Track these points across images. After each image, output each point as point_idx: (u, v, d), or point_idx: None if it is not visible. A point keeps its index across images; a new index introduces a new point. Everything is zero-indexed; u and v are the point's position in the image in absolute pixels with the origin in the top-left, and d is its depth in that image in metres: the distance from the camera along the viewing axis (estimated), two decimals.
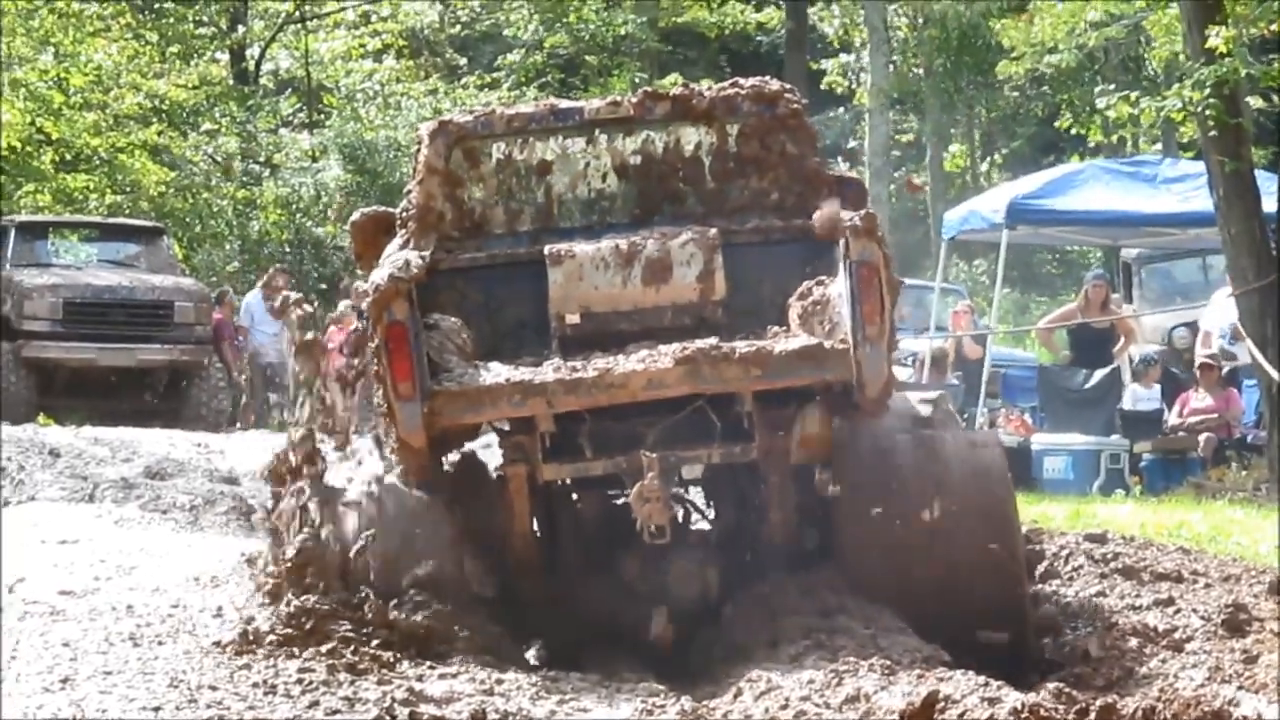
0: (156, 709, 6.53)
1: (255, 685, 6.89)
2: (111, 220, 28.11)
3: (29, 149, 31.75)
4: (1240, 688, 6.95)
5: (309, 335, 8.79)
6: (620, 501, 8.38)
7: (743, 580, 8.50)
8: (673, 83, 26.22)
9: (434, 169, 9.03)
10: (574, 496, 8.86)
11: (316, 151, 33.85)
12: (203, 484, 14.94)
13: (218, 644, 7.63)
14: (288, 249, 32.01)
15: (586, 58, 40.00)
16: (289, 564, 8.15)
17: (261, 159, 34.39)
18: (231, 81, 35.92)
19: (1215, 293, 19.39)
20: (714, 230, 8.79)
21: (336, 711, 6.60)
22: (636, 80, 35.55)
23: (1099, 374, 19.12)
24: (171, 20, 35.47)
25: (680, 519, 8.97)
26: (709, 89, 9.25)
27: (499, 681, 7.14)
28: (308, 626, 7.68)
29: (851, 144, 40.69)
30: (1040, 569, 10.27)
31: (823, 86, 37.45)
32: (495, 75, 37.91)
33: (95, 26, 33.58)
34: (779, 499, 8.39)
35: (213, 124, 34.61)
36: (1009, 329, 29.01)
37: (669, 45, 41.68)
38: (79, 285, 23.28)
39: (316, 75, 36.92)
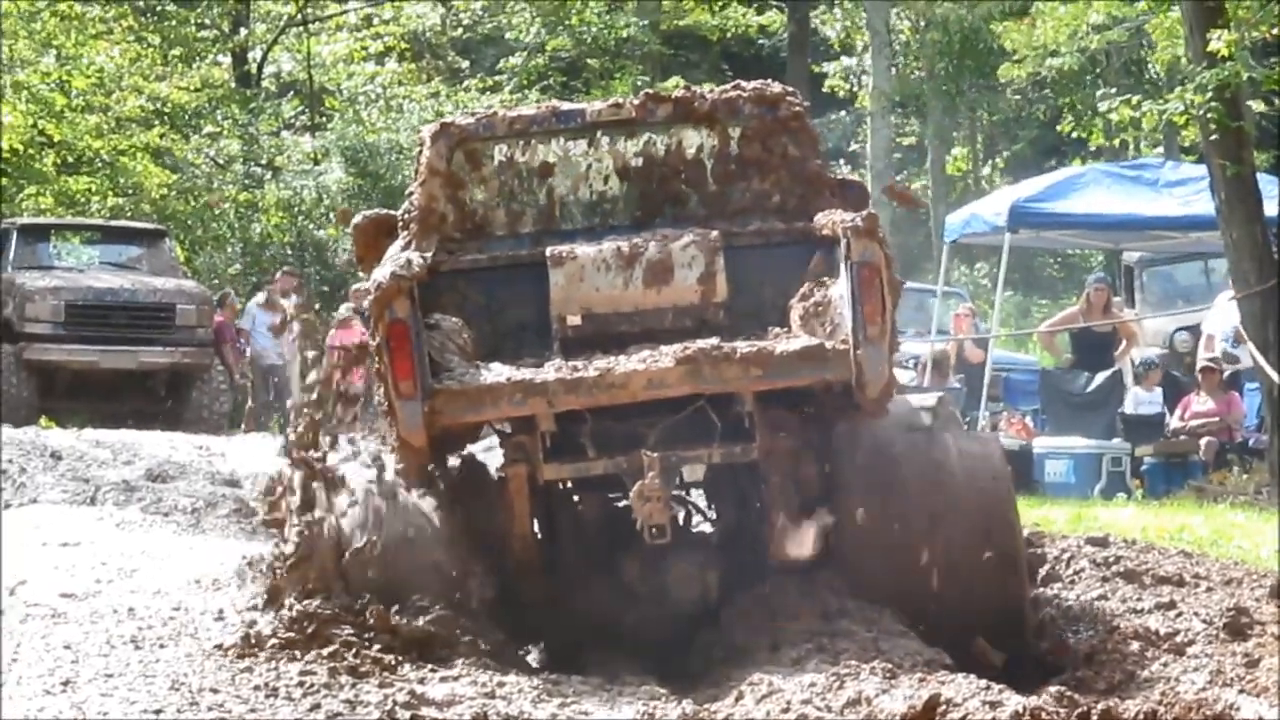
0: (158, 712, 6.53)
1: (257, 688, 6.90)
2: (113, 223, 28.11)
3: (31, 151, 31.76)
4: (1242, 691, 6.95)
5: (311, 352, 8.81)
6: (622, 504, 8.38)
7: (743, 582, 8.50)
8: (674, 85, 26.22)
9: (436, 171, 9.04)
10: (575, 498, 8.86)
11: (318, 154, 33.84)
12: (204, 486, 14.94)
13: (219, 647, 7.64)
14: (289, 251, 32.00)
15: (588, 60, 39.98)
16: (290, 559, 8.14)
17: (263, 161, 34.39)
18: (233, 84, 35.90)
19: (1218, 296, 19.39)
20: (715, 232, 8.80)
21: (338, 714, 6.60)
22: (638, 83, 35.48)
23: (1100, 377, 19.11)
24: (173, 23, 35.46)
25: (681, 521, 8.98)
26: (711, 91, 9.26)
27: (500, 684, 7.14)
28: (309, 630, 7.68)
29: (853, 147, 40.71)
30: (1042, 572, 10.27)
31: (824, 89, 37.48)
32: (497, 78, 37.88)
33: (97, 29, 33.59)
34: (780, 499, 8.39)
35: (215, 126, 34.61)
36: (1010, 332, 29.02)
37: (671, 48, 41.67)
38: (81, 288, 23.29)
39: (318, 78, 36.91)
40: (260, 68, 37.11)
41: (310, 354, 8.78)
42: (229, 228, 32.36)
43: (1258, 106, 26.01)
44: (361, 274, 9.54)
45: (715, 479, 8.89)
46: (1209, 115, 15.63)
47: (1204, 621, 8.58)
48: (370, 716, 6.57)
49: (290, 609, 7.87)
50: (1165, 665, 7.88)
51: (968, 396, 19.74)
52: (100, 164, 32.73)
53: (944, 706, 6.26)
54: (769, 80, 9.37)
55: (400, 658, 7.54)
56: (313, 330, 8.69)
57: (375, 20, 38.74)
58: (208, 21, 36.54)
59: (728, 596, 8.49)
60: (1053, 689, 6.60)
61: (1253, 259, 16.09)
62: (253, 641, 7.61)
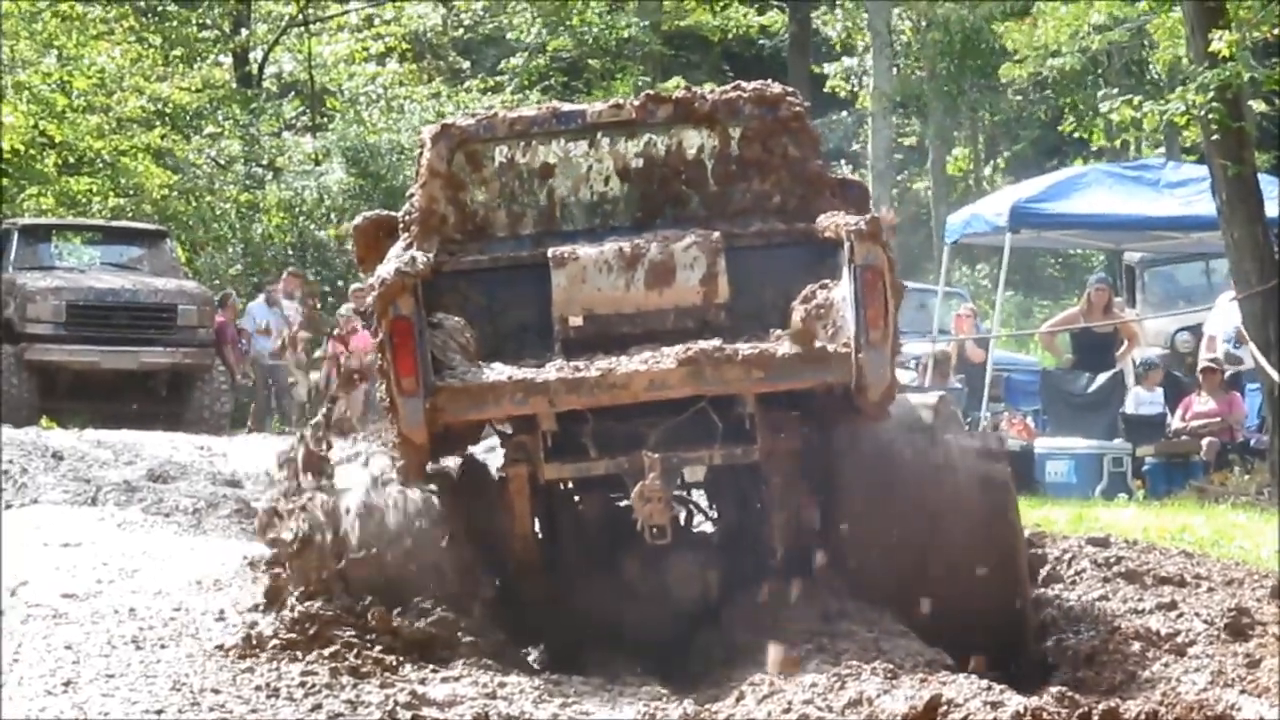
0: (159, 712, 6.54)
1: (258, 688, 6.90)
2: (114, 223, 28.11)
3: (32, 152, 31.77)
4: (1243, 692, 6.94)
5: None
6: (623, 504, 8.38)
7: (744, 583, 8.50)
8: (675, 86, 26.23)
9: (436, 172, 9.04)
10: (576, 498, 8.86)
11: (319, 155, 33.85)
12: (205, 487, 14.96)
13: (220, 647, 7.64)
14: (290, 252, 32.01)
15: (589, 61, 40.00)
16: (293, 544, 8.14)
17: (264, 162, 34.39)
18: (234, 85, 35.92)
19: (1219, 297, 19.39)
20: (717, 233, 8.80)
21: (339, 715, 6.60)
22: (639, 84, 35.51)
23: (1102, 378, 19.12)
24: (174, 23, 35.49)
25: (682, 521, 8.98)
26: (711, 92, 9.26)
27: (501, 685, 7.14)
28: (311, 631, 7.68)
29: (854, 147, 40.72)
30: (1043, 573, 10.27)
31: (825, 90, 37.47)
32: (498, 79, 37.90)
33: (98, 30, 33.60)
34: (781, 501, 8.39)
35: (216, 127, 34.62)
36: (1012, 333, 29.03)
37: (672, 49, 41.68)
38: (82, 288, 23.31)
39: (319, 78, 36.91)
40: (261, 68, 37.13)
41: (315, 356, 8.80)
42: (230, 228, 32.37)
43: (1259, 107, 25.97)
44: (362, 275, 9.53)
45: (716, 479, 8.89)
46: (1210, 115, 15.62)
47: (1205, 622, 8.58)
48: (371, 717, 6.57)
49: (292, 610, 7.88)
50: (1166, 666, 7.88)
51: (969, 397, 19.74)
52: (101, 164, 32.74)
53: (945, 707, 6.26)
54: (769, 81, 9.37)
55: (401, 658, 7.55)
56: (317, 326, 8.70)
57: (376, 21, 38.76)
58: (209, 22, 36.55)
59: (728, 596, 8.49)
60: (1054, 689, 6.60)
61: (1254, 259, 16.09)
62: (254, 642, 7.61)
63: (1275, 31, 16.95)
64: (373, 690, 6.95)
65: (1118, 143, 31.73)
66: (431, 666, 7.48)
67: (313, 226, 32.31)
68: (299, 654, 7.46)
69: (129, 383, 23.23)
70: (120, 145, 32.51)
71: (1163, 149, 32.60)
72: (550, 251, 8.80)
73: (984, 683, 6.69)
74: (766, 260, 8.89)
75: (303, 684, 6.96)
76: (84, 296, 23.11)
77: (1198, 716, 6.21)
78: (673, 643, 8.45)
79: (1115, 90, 21.93)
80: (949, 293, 24.44)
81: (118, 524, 12.65)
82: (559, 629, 8.61)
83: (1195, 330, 20.54)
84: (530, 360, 8.48)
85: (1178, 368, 20.47)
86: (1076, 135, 23.95)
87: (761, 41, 40.85)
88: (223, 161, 34.76)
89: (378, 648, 7.61)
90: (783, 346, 8.17)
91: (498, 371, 8.19)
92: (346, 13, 38.66)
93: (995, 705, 6.25)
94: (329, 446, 8.83)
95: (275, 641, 7.60)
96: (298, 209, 32.54)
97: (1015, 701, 6.29)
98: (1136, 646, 8.22)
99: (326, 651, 7.47)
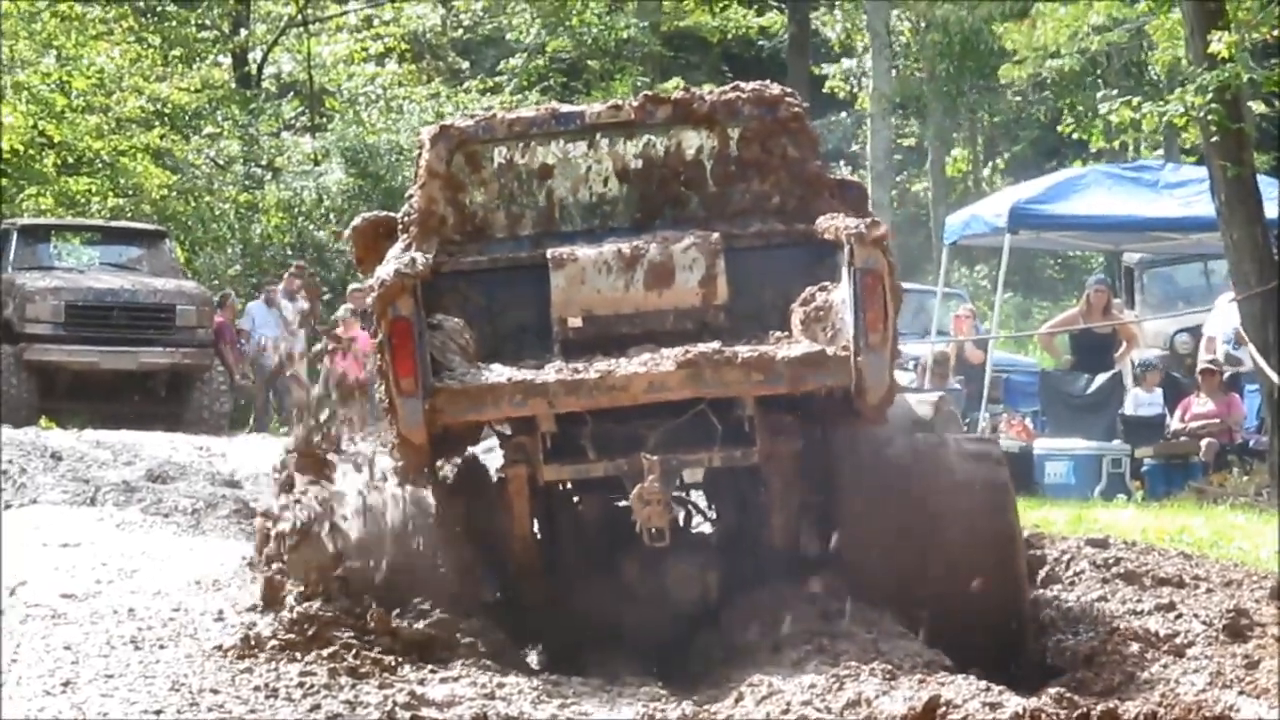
0: (158, 712, 6.54)
1: (257, 689, 6.90)
2: (113, 223, 28.11)
3: (31, 152, 31.76)
4: (1241, 693, 6.95)
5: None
6: (621, 504, 8.38)
7: (743, 584, 8.50)
8: (674, 87, 26.21)
9: (435, 173, 9.04)
10: (575, 499, 8.86)
11: (318, 155, 33.85)
12: (204, 487, 14.96)
13: (219, 648, 7.64)
14: (289, 252, 32.00)
15: (588, 62, 39.99)
16: (290, 536, 8.14)
17: (263, 162, 34.39)
18: (234, 85, 35.91)
19: (1218, 298, 19.40)
20: (716, 234, 8.80)
21: (338, 715, 6.60)
22: (638, 84, 35.50)
23: (1101, 379, 19.12)
24: (174, 24, 35.49)
25: (681, 522, 8.98)
26: (710, 93, 9.26)
27: (500, 685, 7.14)
28: (310, 632, 7.68)
29: (854, 148, 40.71)
30: (1042, 574, 10.27)
31: (825, 91, 37.49)
32: (497, 79, 37.89)
33: (97, 30, 33.60)
34: (780, 503, 8.39)
35: (215, 127, 34.62)
36: (1011, 334, 29.02)
37: (671, 50, 41.67)
38: (81, 288, 23.31)
39: (319, 79, 36.91)
40: (260, 68, 37.13)
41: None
42: (229, 228, 32.37)
43: (1258, 108, 26.03)
44: (361, 276, 9.53)
45: (715, 480, 8.89)
46: (1209, 117, 15.63)
47: (1204, 623, 8.59)
48: (370, 717, 6.58)
49: (290, 610, 7.88)
50: (1165, 667, 7.88)
51: (968, 398, 19.74)
52: (100, 165, 32.74)
53: (944, 708, 6.26)
54: (768, 81, 9.38)
55: (400, 659, 7.55)
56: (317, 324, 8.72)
57: (375, 21, 38.75)
58: (208, 22, 36.56)
59: (727, 597, 8.49)
60: (1053, 690, 6.61)
61: (1253, 260, 16.10)
62: (253, 642, 7.61)
63: (1274, 33, 16.95)
64: (371, 691, 6.95)
65: (1117, 144, 31.76)
66: (430, 667, 7.48)
67: (312, 227, 32.30)
68: (298, 654, 7.46)
69: (128, 383, 23.24)
70: (119, 145, 32.51)
71: (1162, 150, 32.61)
72: (549, 252, 8.80)
73: (982, 684, 6.70)
74: (765, 261, 8.90)
75: (301, 684, 6.97)
76: (83, 297, 23.12)
77: (1196, 717, 6.21)
78: (672, 643, 8.45)
79: (1114, 91, 21.93)
80: (948, 294, 24.44)
81: (117, 524, 12.65)
82: (558, 630, 8.61)
83: (1194, 331, 20.55)
84: (529, 361, 8.48)
85: (1177, 369, 20.47)
86: (1075, 136, 23.91)
87: (761, 42, 40.84)
88: (222, 162, 34.76)
89: (376, 648, 7.61)
90: (783, 349, 8.18)
91: (497, 373, 8.20)
92: (346, 13, 38.66)
93: (994, 706, 6.25)
94: (327, 447, 8.83)
95: (274, 642, 7.60)
96: (297, 209, 32.54)
97: (1014, 702, 6.29)
98: (1135, 647, 8.23)
99: (325, 652, 7.47)
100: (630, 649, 8.41)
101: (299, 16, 36.99)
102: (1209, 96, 15.39)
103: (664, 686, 7.56)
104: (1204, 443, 18.13)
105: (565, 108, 9.37)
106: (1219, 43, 15.34)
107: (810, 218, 8.82)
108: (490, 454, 8.99)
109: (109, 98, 32.84)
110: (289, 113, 36.48)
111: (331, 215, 31.99)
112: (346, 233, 9.56)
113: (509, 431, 8.48)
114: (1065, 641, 8.57)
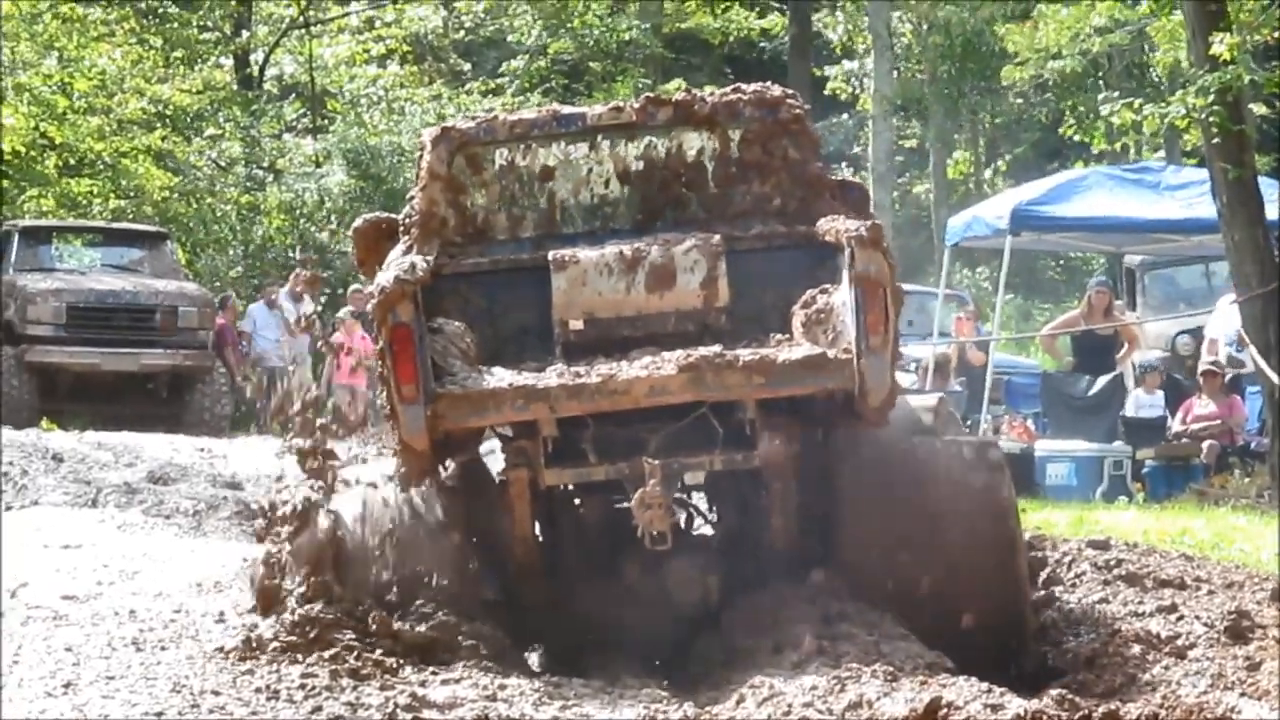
0: (159, 714, 6.54)
1: (258, 690, 6.91)
2: (115, 225, 28.10)
3: (33, 154, 31.76)
4: (1243, 695, 6.95)
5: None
6: (622, 506, 8.38)
7: (745, 586, 8.50)
8: (676, 88, 26.22)
9: (437, 175, 9.03)
10: (576, 502, 8.86)
11: (320, 157, 33.84)
12: (205, 489, 14.96)
13: (221, 649, 7.65)
14: (291, 254, 32.00)
15: (590, 64, 39.99)
16: (290, 532, 8.15)
17: (265, 164, 34.39)
18: (235, 86, 35.92)
19: (1220, 300, 19.40)
20: (717, 236, 8.79)
21: (339, 717, 6.61)
22: (640, 86, 35.51)
23: (1102, 380, 19.12)
24: (175, 25, 35.50)
25: (682, 524, 8.98)
26: (711, 95, 9.26)
27: (501, 687, 7.15)
28: (311, 634, 7.68)
29: (855, 150, 40.72)
30: (1043, 575, 10.27)
31: (826, 93, 37.49)
32: (499, 81, 37.89)
33: (99, 31, 33.60)
34: (781, 505, 8.39)
35: (216, 129, 34.62)
36: (1012, 335, 29.03)
37: (673, 51, 41.68)
38: (82, 290, 23.31)
39: (320, 80, 36.91)
40: (262, 70, 37.13)
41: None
42: (230, 230, 32.37)
43: (1259, 110, 26.00)
44: (362, 277, 9.53)
45: (716, 481, 8.89)
46: (1211, 119, 15.63)
47: (1205, 625, 8.59)
48: (371, 719, 6.58)
49: (292, 612, 7.88)
50: (1166, 668, 7.88)
51: (969, 399, 19.75)
52: (102, 166, 32.74)
53: (945, 709, 6.26)
54: (770, 83, 9.38)
55: (401, 661, 7.55)
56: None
57: (377, 23, 38.75)
58: (209, 24, 36.57)
59: (728, 599, 8.49)
60: (1054, 692, 6.61)
61: (1254, 262, 16.10)
62: (254, 644, 7.62)
63: (1276, 34, 16.95)
64: (373, 692, 6.95)
65: (1118, 146, 31.78)
66: (432, 669, 7.49)
67: (313, 228, 32.30)
68: (299, 656, 7.47)
69: (129, 385, 23.22)
70: (121, 147, 32.51)
71: (1163, 152, 32.62)
72: (550, 254, 8.79)
73: (984, 685, 6.70)
74: (767, 263, 8.89)
75: (303, 686, 6.97)
76: (84, 298, 23.11)
77: (1197, 719, 6.21)
78: (673, 645, 8.45)
79: (1116, 93, 21.94)
80: (949, 295, 24.44)
81: (118, 526, 12.66)
82: (559, 631, 8.61)
83: (1196, 333, 20.56)
84: (531, 363, 8.48)
85: (1178, 370, 20.48)
86: (1077, 138, 23.91)
87: (762, 44, 40.85)
88: (223, 163, 34.76)
89: (378, 650, 7.62)
90: (784, 352, 8.17)
91: (498, 378, 8.19)
92: (347, 15, 38.67)
93: (995, 708, 6.25)
94: (326, 445, 8.84)
95: (275, 644, 7.61)
96: (298, 211, 32.53)
97: (1015, 704, 6.29)
98: (1136, 649, 8.23)
99: (327, 654, 7.48)
100: (631, 651, 8.41)
101: (301, 18, 37.00)
102: (1210, 98, 15.40)
103: (665, 688, 7.57)
104: (1205, 444, 18.13)
105: (566, 109, 9.36)
106: (1220, 44, 15.35)
107: (811, 219, 8.82)
108: (491, 455, 8.99)
109: (110, 99, 32.84)
110: (290, 114, 36.47)
111: (333, 217, 31.98)
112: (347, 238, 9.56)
113: (510, 434, 8.47)
114: (1066, 643, 8.58)
